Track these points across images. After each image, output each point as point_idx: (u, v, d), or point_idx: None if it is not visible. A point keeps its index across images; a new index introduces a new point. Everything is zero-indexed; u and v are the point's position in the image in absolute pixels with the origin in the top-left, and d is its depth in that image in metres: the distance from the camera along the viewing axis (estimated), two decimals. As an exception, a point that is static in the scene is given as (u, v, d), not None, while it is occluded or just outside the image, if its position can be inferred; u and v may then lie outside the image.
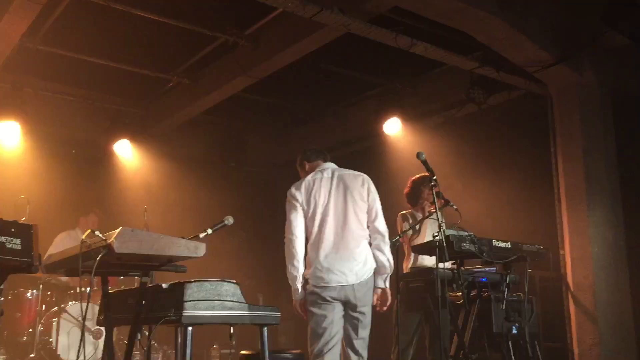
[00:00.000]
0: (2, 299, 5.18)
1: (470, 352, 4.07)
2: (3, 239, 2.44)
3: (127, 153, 8.34)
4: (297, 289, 3.75)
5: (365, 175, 3.98)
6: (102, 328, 4.41)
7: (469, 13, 5.23)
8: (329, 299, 3.68)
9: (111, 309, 3.22)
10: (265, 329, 3.22)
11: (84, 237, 2.76)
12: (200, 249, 2.87)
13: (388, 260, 3.82)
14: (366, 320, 3.76)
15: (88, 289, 5.83)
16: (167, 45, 6.86)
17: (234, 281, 3.03)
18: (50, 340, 6.22)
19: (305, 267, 3.78)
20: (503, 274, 4.25)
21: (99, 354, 5.53)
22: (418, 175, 5.05)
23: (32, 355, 6.20)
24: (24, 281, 6.47)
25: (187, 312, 2.78)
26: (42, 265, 2.87)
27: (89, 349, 6.03)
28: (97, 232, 2.66)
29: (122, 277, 6.23)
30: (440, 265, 3.78)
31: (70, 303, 6.38)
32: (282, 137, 9.72)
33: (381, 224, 3.89)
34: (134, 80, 7.65)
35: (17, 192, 7.06)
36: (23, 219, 7.37)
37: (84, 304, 5.56)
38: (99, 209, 7.25)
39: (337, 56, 6.82)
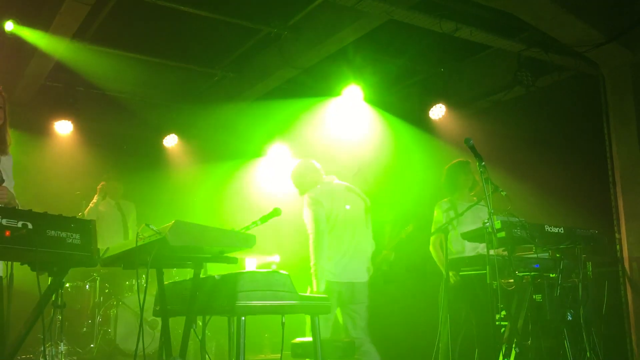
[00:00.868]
0: (63, 291, 5.36)
1: (523, 339, 4.02)
2: (64, 234, 2.57)
3: (176, 148, 8.52)
4: None
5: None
6: (158, 319, 4.56)
7: (515, -7, 5.11)
8: None
9: (166, 300, 3.31)
10: (316, 318, 3.27)
11: (139, 230, 2.84)
12: (251, 241, 2.92)
13: None
14: None
15: (144, 281, 5.99)
16: (211, 40, 6.95)
17: (285, 272, 3.07)
18: (109, 330, 6.45)
19: None
20: (556, 260, 4.17)
21: (156, 343, 5.68)
22: (453, 162, 4.99)
23: (92, 345, 6.43)
24: (80, 274, 6.69)
25: (240, 303, 2.83)
26: (100, 259, 2.98)
27: (146, 340, 6.20)
28: (151, 226, 2.73)
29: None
30: (491, 252, 3.74)
31: (126, 295, 6.59)
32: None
33: None
34: (181, 75, 7.80)
35: (72, 189, 7.33)
36: (80, 214, 7.56)
37: (141, 296, 5.69)
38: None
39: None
